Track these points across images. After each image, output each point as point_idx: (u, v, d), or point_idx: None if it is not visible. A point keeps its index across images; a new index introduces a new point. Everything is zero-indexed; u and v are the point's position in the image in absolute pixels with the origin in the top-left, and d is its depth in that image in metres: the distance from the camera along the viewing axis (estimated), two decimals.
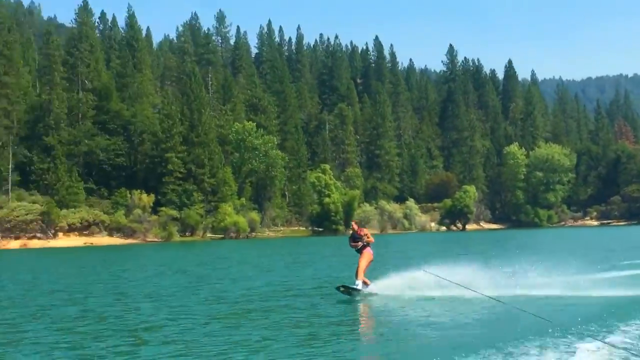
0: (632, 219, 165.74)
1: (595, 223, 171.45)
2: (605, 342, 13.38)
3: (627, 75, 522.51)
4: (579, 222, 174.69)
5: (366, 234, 23.79)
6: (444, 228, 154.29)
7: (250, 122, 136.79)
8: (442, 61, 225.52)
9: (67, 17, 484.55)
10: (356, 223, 24.62)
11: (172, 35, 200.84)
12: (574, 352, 13.31)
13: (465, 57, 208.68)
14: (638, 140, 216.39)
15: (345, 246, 26.25)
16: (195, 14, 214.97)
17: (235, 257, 59.95)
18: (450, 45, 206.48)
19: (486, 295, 18.10)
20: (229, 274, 38.81)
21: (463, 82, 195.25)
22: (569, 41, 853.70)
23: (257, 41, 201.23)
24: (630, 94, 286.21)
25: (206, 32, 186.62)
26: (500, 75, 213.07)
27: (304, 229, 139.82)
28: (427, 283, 22.57)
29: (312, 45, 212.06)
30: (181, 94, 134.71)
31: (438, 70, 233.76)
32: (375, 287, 23.33)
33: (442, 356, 13.12)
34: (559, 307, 19.91)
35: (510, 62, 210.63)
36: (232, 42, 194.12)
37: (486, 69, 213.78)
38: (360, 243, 23.55)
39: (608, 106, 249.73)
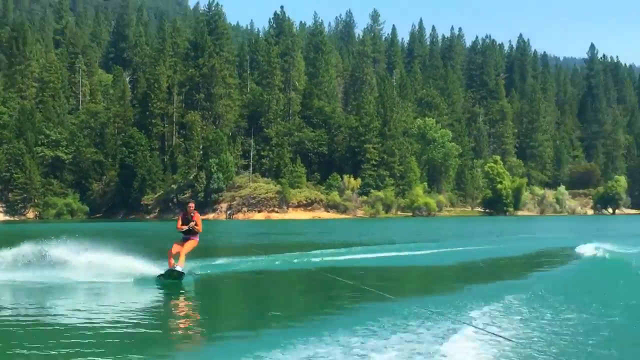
0: None
1: None
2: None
3: None
4: None
5: (196, 222, 23.74)
6: (590, 212, 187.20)
7: (428, 118, 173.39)
8: (583, 58, 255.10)
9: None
10: (194, 204, 24.79)
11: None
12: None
13: (604, 54, 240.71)
14: None
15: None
16: (350, 12, 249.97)
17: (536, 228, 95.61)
18: (592, 43, 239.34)
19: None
20: None
21: (604, 78, 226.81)
22: None
23: (407, 38, 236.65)
24: None
25: (364, 31, 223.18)
26: (635, 69, 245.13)
27: (469, 209, 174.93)
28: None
29: (448, 40, 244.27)
30: (379, 94, 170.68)
31: (572, 57, 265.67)
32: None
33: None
34: None
35: None
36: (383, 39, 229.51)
37: (624, 62, 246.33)
38: (185, 227, 23.69)
39: None
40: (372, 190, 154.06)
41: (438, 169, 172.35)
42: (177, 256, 23.35)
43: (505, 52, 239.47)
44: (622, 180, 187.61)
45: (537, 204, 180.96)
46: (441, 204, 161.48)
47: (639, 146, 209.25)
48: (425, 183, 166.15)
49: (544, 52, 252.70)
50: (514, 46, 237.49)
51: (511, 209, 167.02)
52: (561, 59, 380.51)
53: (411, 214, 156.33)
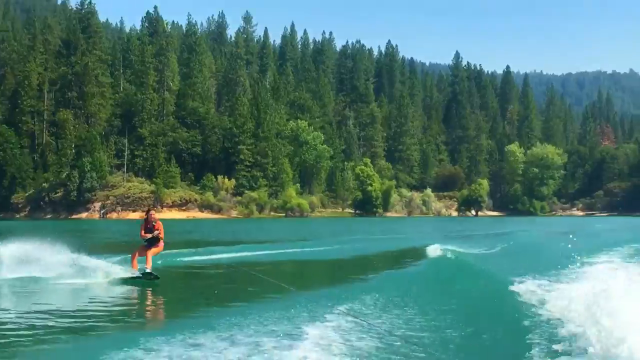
0: (613, 210, 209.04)
1: (581, 213, 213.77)
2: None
3: (605, 72, 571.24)
4: (567, 212, 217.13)
5: (158, 229, 24.38)
6: (454, 214, 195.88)
7: (300, 120, 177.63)
8: (448, 65, 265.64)
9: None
10: (155, 212, 25.85)
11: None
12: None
13: (468, 62, 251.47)
14: (618, 139, 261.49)
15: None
16: (222, 13, 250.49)
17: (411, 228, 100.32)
18: (457, 51, 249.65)
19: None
20: None
21: (468, 85, 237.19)
22: (551, 37, 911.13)
23: (279, 41, 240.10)
24: (610, 94, 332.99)
25: (236, 32, 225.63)
26: (497, 76, 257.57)
27: (340, 210, 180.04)
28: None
29: (319, 43, 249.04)
30: (253, 96, 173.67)
31: (437, 63, 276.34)
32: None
33: None
34: None
35: (508, 67, 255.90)
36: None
37: (486, 70, 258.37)
38: (149, 235, 24.27)
39: (587, 104, 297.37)
40: (246, 191, 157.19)
41: (310, 170, 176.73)
42: (141, 259, 24.35)
43: (375, 57, 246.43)
44: (484, 184, 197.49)
45: (405, 206, 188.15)
46: (313, 204, 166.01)
47: (501, 151, 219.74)
48: (298, 184, 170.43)
49: (411, 57, 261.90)
50: (383, 52, 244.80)
51: (380, 210, 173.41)
52: (427, 64, 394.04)
53: (284, 214, 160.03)
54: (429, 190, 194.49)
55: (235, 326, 13.53)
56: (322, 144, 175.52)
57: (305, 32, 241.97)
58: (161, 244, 24.75)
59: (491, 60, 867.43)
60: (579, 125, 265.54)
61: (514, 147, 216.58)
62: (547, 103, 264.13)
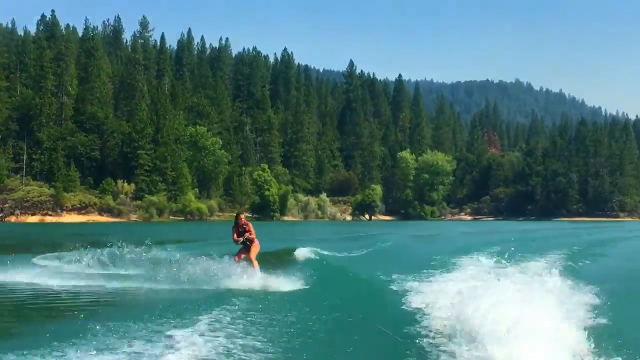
0: (498, 215, 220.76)
1: (469, 218, 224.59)
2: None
3: (493, 81, 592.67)
4: (456, 217, 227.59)
5: (250, 230, 25.13)
6: (349, 218, 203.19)
7: (199, 126, 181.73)
8: (342, 72, 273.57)
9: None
10: (244, 216, 26.31)
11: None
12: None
13: (362, 70, 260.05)
14: (504, 147, 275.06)
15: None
16: (118, 17, 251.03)
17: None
18: (351, 60, 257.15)
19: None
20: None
21: (361, 93, 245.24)
22: (441, 46, 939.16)
23: (175, 47, 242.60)
24: (497, 103, 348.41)
25: (132, 37, 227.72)
26: (389, 84, 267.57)
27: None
28: None
29: (216, 50, 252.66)
30: (152, 101, 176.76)
31: (331, 70, 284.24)
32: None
33: None
34: None
35: (400, 75, 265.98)
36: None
37: (380, 78, 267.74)
38: (241, 239, 25.00)
39: (475, 112, 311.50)
40: (145, 195, 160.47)
41: (208, 175, 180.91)
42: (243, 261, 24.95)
43: (271, 64, 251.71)
44: (377, 189, 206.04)
45: (301, 210, 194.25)
46: (212, 208, 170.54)
47: (393, 157, 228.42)
48: (197, 189, 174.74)
49: (307, 64, 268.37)
50: (279, 58, 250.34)
51: (278, 215, 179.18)
52: (321, 70, 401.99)
53: (183, 218, 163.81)
54: (324, 195, 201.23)
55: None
56: (220, 149, 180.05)
57: (202, 38, 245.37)
58: (256, 242, 25.26)
59: (384, 68, 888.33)
60: (468, 133, 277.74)
61: (405, 154, 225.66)
62: (437, 111, 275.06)
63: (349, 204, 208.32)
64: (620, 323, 15.64)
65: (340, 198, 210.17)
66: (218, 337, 14.00)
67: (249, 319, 16.39)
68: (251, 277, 23.57)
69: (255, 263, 24.54)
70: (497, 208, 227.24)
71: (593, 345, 12.53)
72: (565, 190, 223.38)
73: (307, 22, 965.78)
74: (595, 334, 13.26)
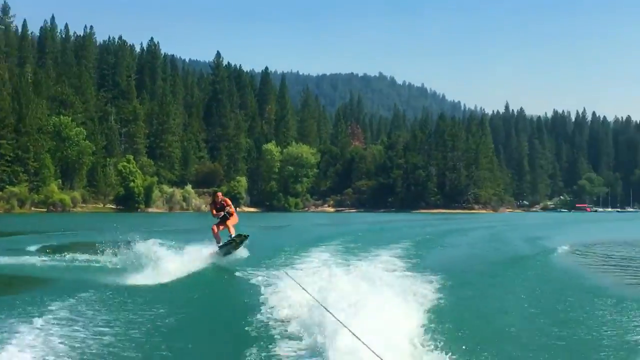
0: (360, 207, 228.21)
1: (332, 210, 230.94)
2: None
3: (357, 74, 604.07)
4: (319, 209, 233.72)
5: (229, 205, 27.57)
6: None
7: (63, 116, 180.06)
8: (209, 63, 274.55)
9: None
10: (221, 193, 29.21)
11: None
12: None
13: (229, 62, 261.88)
14: (367, 140, 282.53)
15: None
16: None
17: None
18: (218, 51, 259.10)
19: None
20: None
21: (228, 84, 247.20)
22: (307, 38, 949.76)
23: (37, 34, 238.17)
24: (361, 96, 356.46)
25: None
26: (256, 75, 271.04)
27: (102, 206, 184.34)
28: None
29: (80, 38, 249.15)
30: (14, 89, 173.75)
31: (197, 60, 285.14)
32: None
33: None
34: None
35: (267, 67, 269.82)
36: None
37: (246, 69, 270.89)
38: (222, 213, 27.31)
39: (340, 105, 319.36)
40: (6, 186, 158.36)
41: (72, 166, 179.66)
42: (223, 233, 27.78)
43: (136, 53, 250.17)
44: (242, 181, 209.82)
45: (166, 202, 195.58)
46: (75, 200, 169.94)
47: (259, 149, 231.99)
48: (60, 180, 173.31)
49: (173, 54, 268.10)
50: (145, 48, 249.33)
51: (142, 206, 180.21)
52: (187, 61, 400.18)
53: (45, 209, 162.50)
54: (189, 187, 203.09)
55: None
56: (84, 140, 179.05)
57: (66, 26, 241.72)
58: (235, 215, 28.09)
59: (251, 59, 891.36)
60: (332, 125, 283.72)
61: (271, 146, 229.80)
62: (302, 103, 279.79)
63: None
64: (456, 308, 17.31)
65: (205, 190, 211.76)
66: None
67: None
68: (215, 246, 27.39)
69: (232, 230, 27.47)
70: (360, 200, 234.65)
71: (429, 331, 13.77)
72: (424, 183, 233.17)
73: (173, 11, 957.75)
74: (431, 319, 14.83)
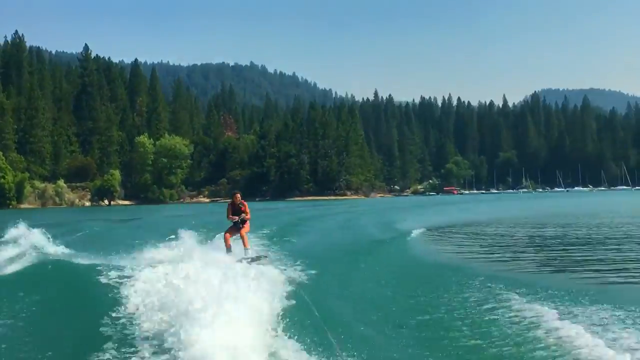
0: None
1: (207, 200, 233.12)
2: None
3: (229, 64, 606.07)
4: (195, 199, 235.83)
5: (246, 211, 25.32)
6: (88, 204, 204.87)
7: None
8: (77, 55, 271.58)
9: None
10: (240, 194, 26.28)
11: None
12: None
13: (97, 54, 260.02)
14: (240, 129, 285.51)
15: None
16: None
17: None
18: (86, 44, 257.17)
19: None
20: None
21: (97, 77, 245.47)
22: (177, 29, 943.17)
23: None
24: (233, 86, 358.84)
25: None
26: (126, 67, 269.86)
27: None
28: None
29: None
30: None
31: (64, 51, 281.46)
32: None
33: None
34: None
35: (136, 59, 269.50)
36: None
37: (116, 61, 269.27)
38: (237, 218, 24.98)
39: (212, 95, 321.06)
40: None
41: None
42: (235, 240, 25.12)
43: (0, 46, 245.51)
44: (116, 174, 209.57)
45: (39, 197, 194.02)
46: None
47: (131, 142, 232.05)
48: None
49: (39, 46, 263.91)
50: (9, 41, 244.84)
51: (14, 203, 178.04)
52: (54, 52, 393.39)
53: None
54: (61, 182, 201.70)
55: None
56: None
57: None
58: (248, 223, 25.49)
59: (120, 51, 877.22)
60: (204, 116, 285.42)
61: (143, 139, 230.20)
62: (174, 95, 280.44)
63: (88, 189, 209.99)
64: (316, 295, 17.45)
65: (78, 184, 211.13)
66: None
67: None
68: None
69: (247, 242, 24.84)
70: (234, 190, 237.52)
71: (286, 319, 13.85)
72: (297, 171, 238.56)
73: (38, 2, 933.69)
74: (290, 308, 14.96)
